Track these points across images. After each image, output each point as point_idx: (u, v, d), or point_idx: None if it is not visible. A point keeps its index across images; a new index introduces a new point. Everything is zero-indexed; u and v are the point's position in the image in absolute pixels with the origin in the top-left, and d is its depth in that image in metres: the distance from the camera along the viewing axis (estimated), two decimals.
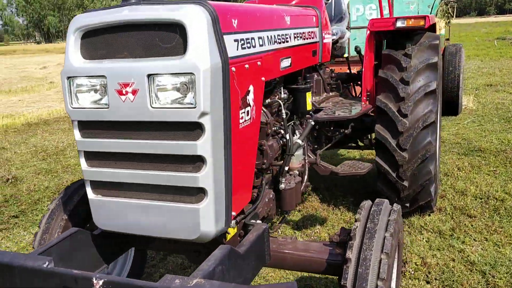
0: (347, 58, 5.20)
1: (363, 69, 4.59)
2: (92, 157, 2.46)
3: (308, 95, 3.47)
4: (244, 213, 2.70)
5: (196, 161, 2.24)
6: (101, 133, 2.39)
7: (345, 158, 6.89)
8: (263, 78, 2.67)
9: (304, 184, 3.61)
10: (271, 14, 2.88)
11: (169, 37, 2.17)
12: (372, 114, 4.68)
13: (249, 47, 2.47)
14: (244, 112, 2.46)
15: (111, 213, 2.47)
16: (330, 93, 4.95)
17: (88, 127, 2.42)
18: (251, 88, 2.52)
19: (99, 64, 2.29)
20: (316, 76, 4.08)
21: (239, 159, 2.46)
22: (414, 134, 4.26)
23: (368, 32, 4.60)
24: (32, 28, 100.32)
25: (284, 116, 3.11)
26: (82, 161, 2.47)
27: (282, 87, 3.24)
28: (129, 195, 2.42)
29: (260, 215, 2.94)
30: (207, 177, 2.23)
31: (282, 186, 3.22)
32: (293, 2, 4.15)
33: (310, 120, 3.56)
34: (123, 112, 2.26)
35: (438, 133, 4.70)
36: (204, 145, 2.18)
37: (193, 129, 2.19)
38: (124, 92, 2.23)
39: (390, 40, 4.78)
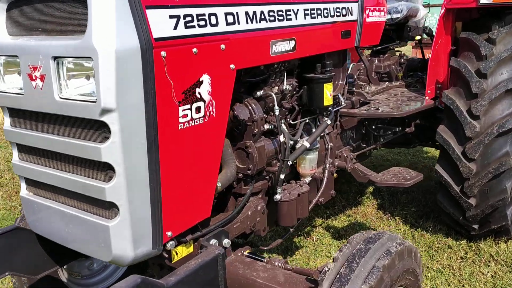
0: (419, 41, 4.30)
1: (430, 55, 3.72)
2: (21, 149, 2.13)
3: (327, 87, 2.79)
4: (200, 230, 2.21)
5: (106, 169, 1.79)
6: (23, 123, 2.04)
7: (398, 161, 5.89)
8: (232, 66, 2.11)
9: (319, 193, 2.98)
10: None
11: (75, 10, 1.72)
12: None
13: (201, 26, 1.92)
14: (190, 109, 1.93)
15: (38, 214, 2.13)
16: (394, 83, 4.14)
17: (13, 114, 2.08)
18: (204, 78, 1.97)
19: (14, 41, 1.93)
20: (350, 62, 3.33)
21: (183, 167, 1.96)
22: (486, 142, 3.36)
23: (443, 10, 3.69)
24: None
25: (277, 113, 2.51)
26: (14, 152, 2.16)
27: (285, 76, 2.62)
28: (54, 198, 2.06)
29: (236, 232, 2.42)
30: (117, 190, 1.77)
31: (277, 197, 2.64)
32: None
33: (326, 119, 2.88)
34: (34, 100, 1.88)
35: None
36: (111, 150, 1.71)
37: (98, 128, 1.73)
38: (33, 77, 1.84)
39: (469, 23, 3.82)
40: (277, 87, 2.60)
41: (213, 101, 2.05)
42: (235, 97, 2.43)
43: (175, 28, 1.81)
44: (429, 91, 3.71)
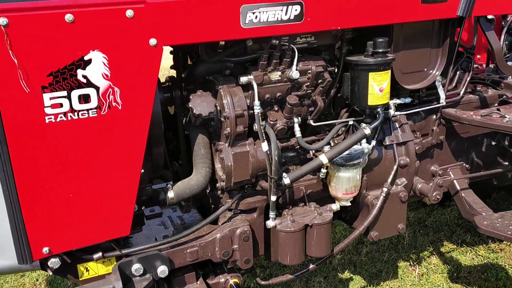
0: None
1: None
2: None
3: (375, 78, 1.85)
4: (117, 249, 1.72)
5: None
6: None
7: None
8: (152, 41, 1.48)
9: (364, 225, 2.10)
10: None
11: None
12: None
13: None
14: (67, 98, 1.43)
15: None
16: None
17: None
18: (94, 56, 1.43)
19: None
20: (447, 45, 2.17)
21: (62, 172, 1.50)
22: None
23: None
24: None
25: (257, 110, 1.75)
26: None
27: (295, 57, 1.80)
28: None
29: (190, 258, 1.86)
30: None
31: (269, 223, 1.95)
32: None
33: (364, 125, 1.92)
34: None
35: None
36: None
37: None
38: None
39: None
40: (278, 73, 1.82)
41: (116, 89, 1.49)
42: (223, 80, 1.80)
43: None
44: None
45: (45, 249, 1.57)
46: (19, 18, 1.32)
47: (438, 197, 2.29)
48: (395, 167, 2.16)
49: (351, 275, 3.09)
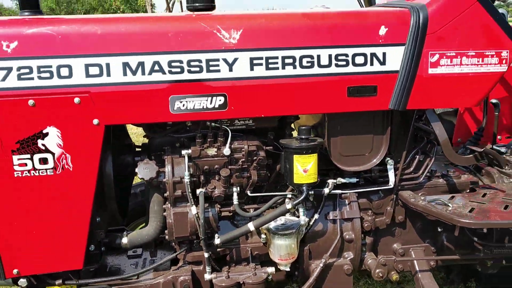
0: None
1: None
2: None
3: (300, 160, 2.07)
4: (72, 278, 2.17)
5: None
6: None
7: None
8: (95, 121, 1.94)
9: None
10: (144, 31, 1.94)
11: None
12: None
13: (42, 78, 1.87)
14: (30, 159, 1.94)
15: None
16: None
17: None
18: (50, 130, 1.93)
19: None
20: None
21: (25, 213, 2.00)
22: None
23: None
24: None
25: (186, 180, 2.09)
26: None
27: (229, 137, 2.11)
28: None
29: None
30: None
31: (206, 276, 2.24)
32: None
33: (288, 202, 2.13)
34: None
35: None
36: None
37: None
38: None
39: None
40: (215, 149, 2.15)
41: (67, 155, 1.97)
42: (171, 152, 2.20)
43: (3, 80, 1.85)
44: None
45: (15, 271, 2.06)
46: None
47: (381, 274, 2.37)
48: (336, 241, 2.32)
49: None
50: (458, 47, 2.08)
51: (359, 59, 2.05)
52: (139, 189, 3.09)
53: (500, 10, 2.69)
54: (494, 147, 2.78)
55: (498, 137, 3.11)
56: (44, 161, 1.96)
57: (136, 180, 2.55)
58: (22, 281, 2.12)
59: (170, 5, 24.48)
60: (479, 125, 3.02)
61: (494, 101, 2.88)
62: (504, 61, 2.12)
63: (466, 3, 2.06)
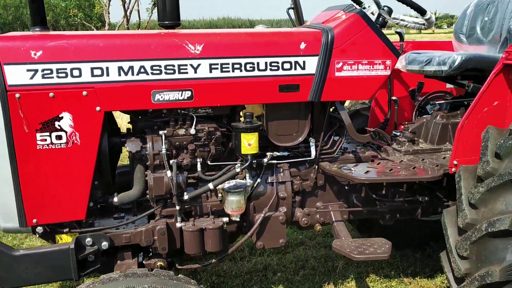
0: None
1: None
2: None
3: (245, 137, 2.90)
4: (77, 227, 2.89)
5: None
6: None
7: None
8: (98, 108, 2.70)
9: (248, 235, 3.11)
10: (133, 44, 2.73)
11: None
12: None
13: (60, 77, 2.61)
14: (49, 136, 2.65)
15: None
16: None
17: None
18: (65, 115, 2.67)
19: None
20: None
21: (45, 175, 2.70)
22: (473, 239, 2.67)
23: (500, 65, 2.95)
24: None
25: (163, 151, 2.87)
26: None
27: (194, 121, 2.92)
28: None
29: (125, 240, 2.95)
30: None
31: (177, 225, 3.00)
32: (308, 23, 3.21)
33: (238, 165, 2.96)
34: None
35: None
36: None
37: None
38: None
39: None
40: (184, 130, 2.94)
41: (77, 133, 2.71)
42: (151, 133, 2.97)
43: (31, 78, 2.58)
44: (454, 162, 3.05)
45: (34, 220, 2.77)
46: (25, 94, 2.59)
47: (306, 222, 3.23)
48: (273, 198, 3.16)
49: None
50: (356, 58, 2.97)
51: (287, 65, 2.90)
52: None
53: (398, 30, 3.64)
54: (394, 132, 3.72)
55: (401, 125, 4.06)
56: (59, 137, 2.69)
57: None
58: (39, 229, 2.83)
59: (128, 13, 24.96)
60: (385, 117, 3.95)
61: (394, 98, 3.83)
62: (388, 67, 3.03)
63: (360, 27, 2.95)
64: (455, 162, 3.04)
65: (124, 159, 4.91)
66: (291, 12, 3.81)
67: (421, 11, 3.14)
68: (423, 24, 3.24)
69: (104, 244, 2.89)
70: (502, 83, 2.95)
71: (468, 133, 2.99)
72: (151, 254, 3.11)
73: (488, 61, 3.18)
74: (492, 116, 2.96)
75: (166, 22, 2.97)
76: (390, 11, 3.22)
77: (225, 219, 3.06)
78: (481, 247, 2.64)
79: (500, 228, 2.52)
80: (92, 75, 2.67)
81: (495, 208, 2.62)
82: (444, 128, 3.49)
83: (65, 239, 2.96)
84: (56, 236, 2.94)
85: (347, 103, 4.45)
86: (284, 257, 4.56)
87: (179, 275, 2.59)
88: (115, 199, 2.99)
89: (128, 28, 28.35)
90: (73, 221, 2.90)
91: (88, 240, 2.87)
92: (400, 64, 3.77)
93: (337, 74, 2.97)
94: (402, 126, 3.73)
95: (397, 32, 3.65)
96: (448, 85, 4.06)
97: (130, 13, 25.36)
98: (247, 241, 3.25)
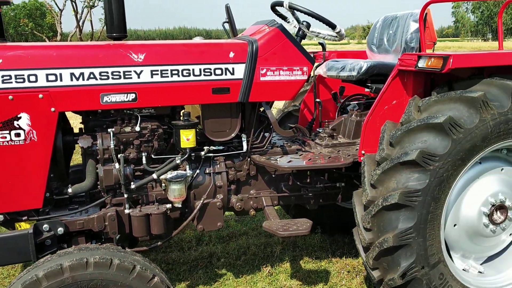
0: None
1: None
2: None
3: (184, 133, 3.37)
4: (35, 215, 3.27)
5: None
6: None
7: None
8: (52, 109, 3.10)
9: (188, 220, 3.56)
10: (83, 53, 3.16)
11: None
12: None
13: (18, 82, 3.00)
14: (9, 134, 3.03)
15: None
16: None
17: None
18: (23, 115, 3.06)
19: None
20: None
21: (3, 169, 3.08)
22: (373, 212, 3.22)
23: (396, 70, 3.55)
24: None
25: (111, 146, 3.30)
26: None
27: (138, 119, 3.36)
28: None
29: (78, 226, 3.34)
30: None
31: (125, 211, 3.42)
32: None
33: (178, 158, 3.44)
34: None
35: None
36: None
37: None
38: None
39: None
40: (130, 128, 3.38)
41: (33, 131, 3.10)
42: (101, 130, 3.38)
43: None
44: (362, 152, 3.62)
45: None
46: None
47: (240, 206, 3.72)
48: (210, 186, 3.64)
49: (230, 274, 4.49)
50: (277, 65, 3.51)
51: (218, 71, 3.40)
52: None
53: (320, 41, 4.21)
54: (317, 129, 4.28)
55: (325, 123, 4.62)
56: (18, 135, 3.07)
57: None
58: (0, 217, 3.20)
59: (80, 23, 24.96)
60: (312, 117, 4.52)
61: (318, 100, 4.40)
62: (305, 73, 3.58)
63: (280, 39, 3.50)
64: (362, 151, 3.61)
65: (76, 160, 5.27)
66: (226, 25, 4.32)
67: (331, 26, 3.71)
68: (336, 37, 3.81)
69: (60, 230, 3.28)
70: (398, 85, 3.55)
71: (372, 127, 3.58)
72: (103, 239, 3.52)
73: (388, 67, 3.80)
74: (391, 113, 3.56)
75: (114, 34, 3.42)
76: (308, 26, 3.78)
77: (169, 206, 3.51)
78: (379, 219, 3.20)
79: (392, 202, 3.09)
80: (47, 80, 3.07)
81: (389, 186, 3.19)
82: (358, 124, 4.07)
83: (24, 227, 3.33)
84: (16, 224, 3.31)
85: (280, 105, 5.02)
86: (228, 245, 5.03)
87: (126, 249, 3.01)
88: (70, 190, 3.39)
89: (81, 39, 28.45)
90: (31, 210, 3.27)
91: (45, 226, 3.25)
92: (322, 70, 4.35)
93: (261, 78, 3.49)
94: (324, 124, 4.30)
95: (319, 43, 4.23)
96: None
97: (83, 23, 25.40)
98: (194, 232, 3.71)
